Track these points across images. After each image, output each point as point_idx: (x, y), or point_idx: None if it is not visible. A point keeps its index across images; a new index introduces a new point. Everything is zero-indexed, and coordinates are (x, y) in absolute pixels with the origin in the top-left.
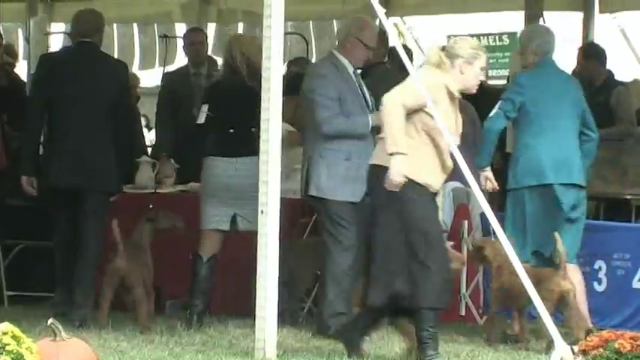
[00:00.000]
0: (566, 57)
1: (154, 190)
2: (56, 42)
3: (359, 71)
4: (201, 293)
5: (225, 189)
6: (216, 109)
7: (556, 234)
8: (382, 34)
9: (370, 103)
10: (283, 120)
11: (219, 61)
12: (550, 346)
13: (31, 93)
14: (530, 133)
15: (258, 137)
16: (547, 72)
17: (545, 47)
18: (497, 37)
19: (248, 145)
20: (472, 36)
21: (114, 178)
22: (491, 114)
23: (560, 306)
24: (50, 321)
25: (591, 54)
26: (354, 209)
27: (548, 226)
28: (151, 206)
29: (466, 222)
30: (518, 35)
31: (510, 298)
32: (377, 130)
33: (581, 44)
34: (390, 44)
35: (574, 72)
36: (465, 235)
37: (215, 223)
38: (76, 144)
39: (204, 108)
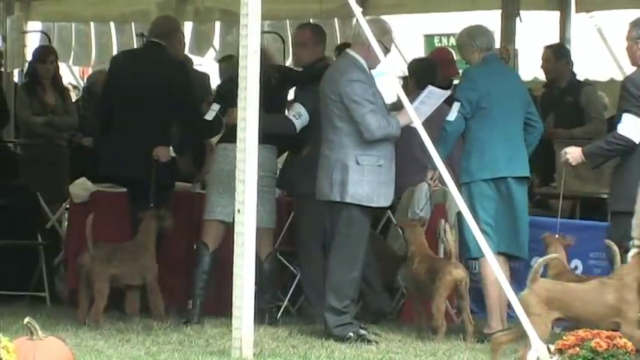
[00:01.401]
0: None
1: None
2: (33, 40)
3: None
4: (205, 284)
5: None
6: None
7: (445, 223)
8: (320, 31)
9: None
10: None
11: (196, 59)
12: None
13: (102, 90)
14: (483, 128)
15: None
16: (495, 67)
17: (489, 44)
18: None
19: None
20: (448, 35)
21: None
22: (451, 117)
23: (457, 296)
24: (27, 320)
25: (563, 54)
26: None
27: (509, 224)
28: (152, 205)
29: (443, 221)
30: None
31: (419, 287)
32: None
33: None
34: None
35: (545, 72)
36: (442, 234)
37: (218, 214)
38: (131, 138)
39: (215, 107)
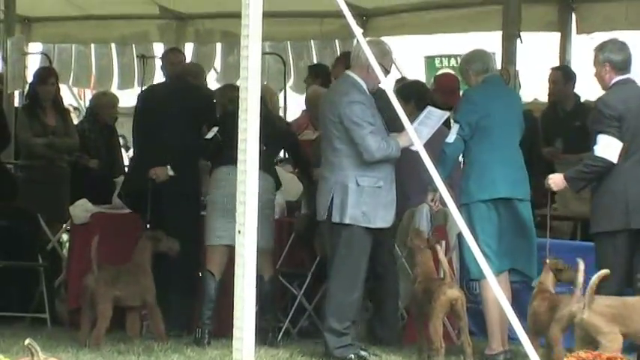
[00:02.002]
0: (541, 77)
1: (130, 210)
2: (33, 62)
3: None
4: (212, 311)
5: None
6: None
7: (440, 244)
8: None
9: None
10: None
11: None
12: None
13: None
14: (482, 149)
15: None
16: (494, 88)
17: (485, 67)
18: None
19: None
20: (448, 56)
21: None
22: (450, 139)
23: (454, 316)
24: (27, 341)
25: (571, 76)
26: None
27: (514, 244)
28: (148, 226)
29: (444, 242)
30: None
31: (419, 308)
32: None
33: (557, 64)
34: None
35: (550, 94)
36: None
37: (223, 239)
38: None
39: (215, 129)
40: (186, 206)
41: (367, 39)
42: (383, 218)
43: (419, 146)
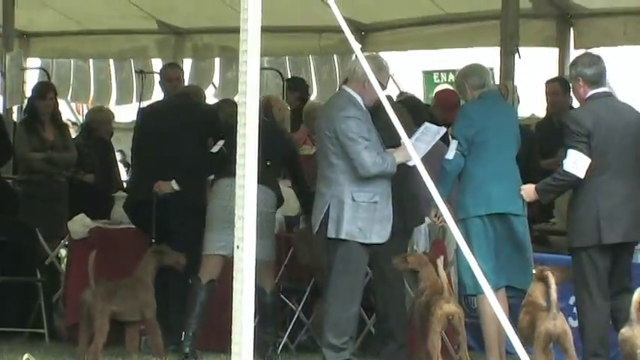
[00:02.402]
0: (540, 93)
1: (129, 225)
2: (32, 77)
3: None
4: (198, 315)
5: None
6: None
7: (439, 259)
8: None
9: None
10: None
11: None
12: None
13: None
14: (478, 164)
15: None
16: (490, 102)
17: (481, 81)
18: None
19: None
20: (447, 71)
21: None
22: (450, 156)
23: (452, 331)
24: (26, 356)
25: (568, 88)
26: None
27: (511, 258)
28: (153, 240)
29: (442, 257)
30: (492, 71)
31: (421, 321)
32: None
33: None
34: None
35: (550, 105)
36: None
37: (222, 249)
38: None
39: (220, 142)
40: (191, 221)
41: (365, 54)
42: (378, 233)
43: (417, 161)
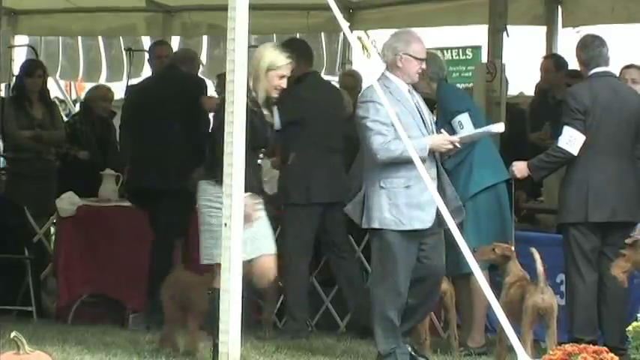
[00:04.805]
0: (528, 71)
1: (117, 203)
2: (20, 55)
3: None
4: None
5: None
6: None
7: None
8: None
9: (430, 124)
10: None
11: None
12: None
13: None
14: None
15: None
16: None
17: (440, 74)
18: (460, 51)
19: None
20: (435, 49)
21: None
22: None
23: (443, 308)
24: (13, 334)
25: (562, 65)
26: (414, 237)
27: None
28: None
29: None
30: (481, 49)
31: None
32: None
33: (550, 54)
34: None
35: (542, 81)
36: None
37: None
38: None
39: None
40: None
41: (399, 31)
42: (419, 219)
43: (413, 154)
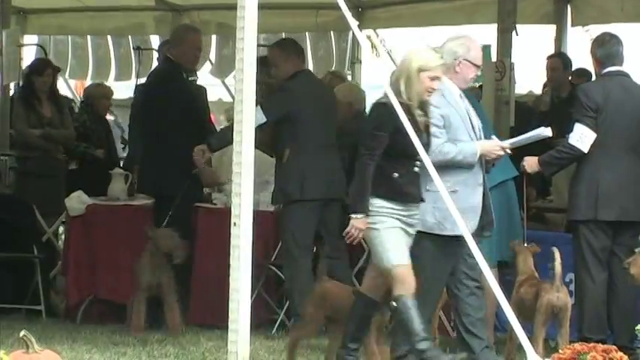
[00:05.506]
0: (537, 70)
1: (126, 202)
2: (29, 54)
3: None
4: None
5: None
6: None
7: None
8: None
9: (478, 130)
10: None
11: None
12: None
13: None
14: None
15: None
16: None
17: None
18: None
19: None
20: None
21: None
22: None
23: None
24: (23, 333)
25: (569, 64)
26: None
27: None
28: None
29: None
30: (490, 48)
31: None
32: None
33: (556, 52)
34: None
35: (548, 80)
36: None
37: None
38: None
39: None
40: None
41: (459, 36)
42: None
43: (423, 154)
